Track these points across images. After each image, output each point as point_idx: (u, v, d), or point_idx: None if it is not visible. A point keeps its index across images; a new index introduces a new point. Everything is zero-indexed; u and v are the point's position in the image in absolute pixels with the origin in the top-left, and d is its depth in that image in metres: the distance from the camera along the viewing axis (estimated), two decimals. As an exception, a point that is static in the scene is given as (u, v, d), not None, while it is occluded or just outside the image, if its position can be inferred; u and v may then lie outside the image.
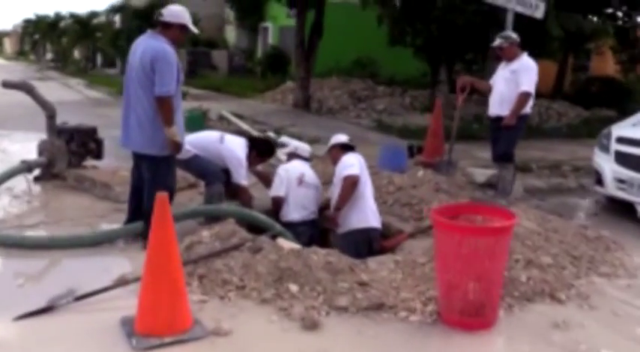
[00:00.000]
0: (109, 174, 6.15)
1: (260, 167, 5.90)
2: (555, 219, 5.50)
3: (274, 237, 4.49)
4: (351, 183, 5.05)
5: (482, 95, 6.72)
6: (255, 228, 4.87)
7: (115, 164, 7.14)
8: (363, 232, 5.16)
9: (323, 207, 5.65)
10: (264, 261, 3.91)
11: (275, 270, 3.83)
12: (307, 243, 4.96)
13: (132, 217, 4.72)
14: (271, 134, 9.56)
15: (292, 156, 5.69)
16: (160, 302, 3.08)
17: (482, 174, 6.93)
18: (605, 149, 6.42)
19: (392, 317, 3.58)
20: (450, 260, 3.51)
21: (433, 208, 3.70)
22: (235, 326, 3.31)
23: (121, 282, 3.69)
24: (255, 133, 9.62)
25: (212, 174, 5.12)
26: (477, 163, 8.26)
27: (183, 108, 4.58)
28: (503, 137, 5.96)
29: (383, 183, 6.41)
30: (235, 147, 5.27)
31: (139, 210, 4.60)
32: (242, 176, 5.21)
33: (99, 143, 6.72)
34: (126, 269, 4.04)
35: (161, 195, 3.07)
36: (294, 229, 5.05)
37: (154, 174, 4.38)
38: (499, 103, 6.02)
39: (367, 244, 5.27)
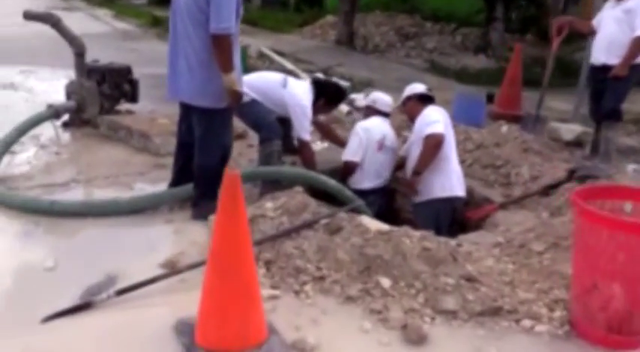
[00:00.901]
0: (147, 122, 5.39)
1: (322, 117, 5.05)
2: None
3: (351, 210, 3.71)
4: (435, 144, 4.22)
5: (581, 37, 5.66)
6: (321, 194, 4.11)
7: (150, 107, 6.40)
8: (446, 201, 4.37)
9: (396, 167, 4.84)
10: (346, 246, 3.16)
11: (360, 258, 3.08)
12: (377, 212, 4.26)
13: (178, 178, 3.98)
14: (320, 75, 8.63)
15: (370, 110, 4.82)
16: (228, 310, 2.37)
17: (569, 131, 5.99)
18: None
19: (513, 325, 2.83)
20: (594, 257, 2.71)
21: (575, 190, 2.86)
22: (320, 338, 2.59)
23: (172, 271, 2.98)
24: (318, 76, 8.71)
25: (270, 127, 4.31)
26: (551, 116, 7.26)
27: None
28: (611, 90, 4.99)
29: (459, 139, 5.53)
30: (300, 93, 4.43)
31: (187, 170, 3.86)
32: (305, 128, 4.40)
33: (134, 84, 5.92)
34: (174, 249, 3.34)
35: (231, 174, 2.28)
36: (364, 198, 4.28)
37: (206, 129, 3.60)
38: (606, 49, 5.02)
39: (450, 215, 4.49)
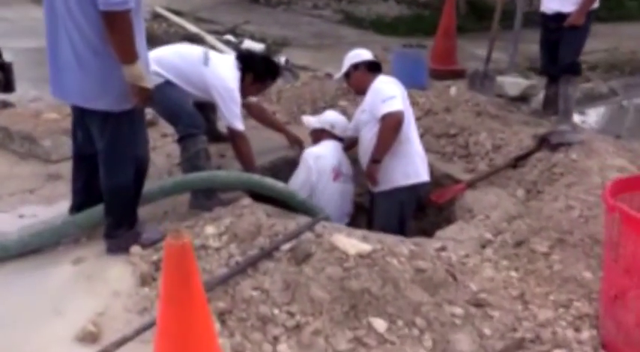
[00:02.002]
0: (30, 118, 4.30)
1: (254, 98, 4.20)
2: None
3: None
4: (395, 124, 3.53)
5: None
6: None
7: (32, 94, 5.25)
8: (410, 189, 3.74)
9: (344, 148, 4.14)
10: (321, 278, 2.46)
11: (342, 294, 2.41)
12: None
13: (81, 200, 3.07)
14: (230, 38, 7.65)
15: (323, 134, 3.96)
16: None
17: (514, 86, 5.56)
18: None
19: (543, 361, 2.29)
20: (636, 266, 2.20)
21: (607, 186, 2.30)
22: None
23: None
24: (228, 38, 7.61)
25: (191, 118, 3.43)
26: (476, 66, 6.77)
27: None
28: (567, 42, 4.51)
29: (403, 106, 4.92)
30: (225, 72, 3.55)
31: (92, 187, 2.97)
32: (236, 115, 3.54)
33: (7, 69, 4.72)
34: (91, 306, 2.49)
35: (178, 243, 1.48)
36: None
37: (111, 139, 2.70)
38: (560, -4, 4.50)
39: (415, 203, 3.89)
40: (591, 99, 6.40)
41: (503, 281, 2.69)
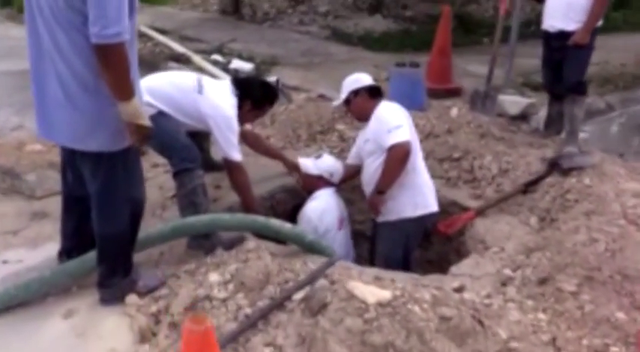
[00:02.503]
0: (12, 151, 4.07)
1: (249, 125, 4.01)
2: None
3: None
4: (403, 156, 3.34)
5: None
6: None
7: (14, 121, 5.01)
8: (418, 221, 3.57)
9: (344, 178, 3.95)
10: (339, 331, 2.25)
11: (364, 349, 2.20)
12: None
13: (72, 244, 2.84)
14: (217, 57, 7.45)
15: (317, 180, 3.80)
16: None
17: (514, 104, 5.42)
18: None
19: None
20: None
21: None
22: None
23: None
24: (216, 57, 7.36)
25: (185, 150, 3.21)
26: (477, 82, 6.65)
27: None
28: (572, 61, 4.38)
29: (403, 128, 4.75)
30: (222, 100, 3.34)
31: (84, 231, 2.74)
32: (234, 145, 3.32)
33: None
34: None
35: (200, 328, 1.27)
36: None
37: (105, 182, 2.48)
38: (564, 14, 4.37)
39: (421, 234, 3.72)
40: (589, 115, 6.29)
41: (531, 325, 2.51)
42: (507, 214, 3.76)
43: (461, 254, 3.75)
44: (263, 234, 3.03)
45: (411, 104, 5.03)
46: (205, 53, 7.81)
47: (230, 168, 3.38)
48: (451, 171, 4.33)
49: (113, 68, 2.21)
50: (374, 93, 3.68)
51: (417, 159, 3.54)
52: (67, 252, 2.86)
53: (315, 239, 3.07)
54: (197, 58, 7.21)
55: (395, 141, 3.31)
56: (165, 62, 7.20)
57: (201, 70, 6.58)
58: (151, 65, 6.76)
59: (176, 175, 3.18)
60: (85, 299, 2.70)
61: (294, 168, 4.06)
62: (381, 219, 3.63)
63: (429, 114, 5.00)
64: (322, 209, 3.57)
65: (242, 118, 3.54)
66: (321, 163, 3.83)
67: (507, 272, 2.97)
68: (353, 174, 3.89)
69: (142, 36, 8.82)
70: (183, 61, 7.30)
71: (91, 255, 2.70)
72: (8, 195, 3.77)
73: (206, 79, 3.52)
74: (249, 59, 7.67)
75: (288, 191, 4.16)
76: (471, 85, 6.40)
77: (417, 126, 4.77)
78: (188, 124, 3.37)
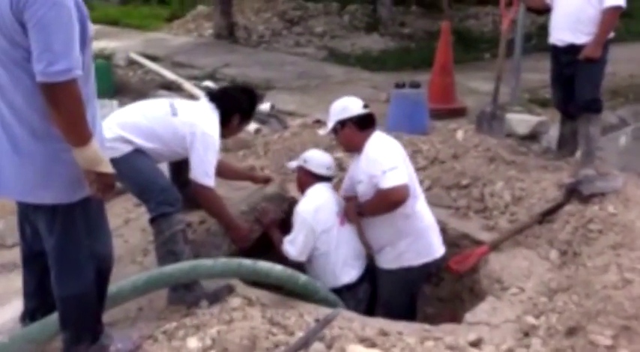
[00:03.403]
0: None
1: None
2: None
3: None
4: (398, 201, 2.94)
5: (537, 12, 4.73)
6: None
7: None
8: (422, 268, 3.24)
9: None
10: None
11: None
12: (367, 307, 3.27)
13: (35, 304, 2.51)
14: (209, 84, 7.19)
15: (305, 175, 3.37)
16: None
17: (523, 123, 5.13)
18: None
19: None
20: None
21: None
22: None
23: None
24: (208, 84, 7.10)
25: (164, 193, 2.86)
26: (481, 100, 6.35)
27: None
28: (585, 76, 4.06)
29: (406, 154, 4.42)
30: (198, 117, 3.00)
31: (48, 293, 2.38)
32: (207, 168, 2.95)
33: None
34: None
35: None
36: (351, 295, 3.12)
37: (62, 236, 2.16)
38: (572, 27, 4.08)
39: (426, 278, 3.41)
40: (602, 130, 5.98)
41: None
42: (524, 247, 3.41)
43: (475, 292, 3.42)
44: (252, 280, 2.71)
45: (413, 127, 4.82)
46: (197, 79, 7.56)
47: (199, 192, 2.99)
48: (460, 199, 4.00)
49: (64, 109, 1.90)
50: (364, 125, 3.21)
51: (417, 202, 3.16)
52: (30, 314, 2.52)
53: (308, 280, 2.79)
54: (188, 85, 6.96)
55: (391, 184, 2.91)
56: (155, 90, 6.94)
57: (192, 97, 6.32)
58: (140, 93, 6.52)
59: (153, 221, 2.86)
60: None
61: (265, 180, 3.76)
62: (382, 264, 3.28)
63: (433, 137, 4.69)
64: (315, 206, 3.14)
65: (228, 133, 3.26)
66: (309, 159, 3.37)
67: (529, 319, 2.62)
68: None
69: (133, 63, 8.60)
70: (174, 88, 7.05)
71: (54, 318, 2.37)
72: (-25, 244, 3.45)
73: (179, 101, 3.23)
74: (242, 84, 7.41)
75: (271, 198, 3.64)
76: (475, 104, 6.15)
77: (420, 151, 4.52)
78: (169, 155, 3.07)
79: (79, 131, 1.95)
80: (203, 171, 2.94)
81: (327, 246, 3.12)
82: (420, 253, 3.15)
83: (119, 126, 2.87)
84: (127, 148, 2.85)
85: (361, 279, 3.21)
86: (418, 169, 4.38)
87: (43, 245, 2.28)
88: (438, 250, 3.24)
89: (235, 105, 3.22)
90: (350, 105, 3.24)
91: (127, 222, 3.84)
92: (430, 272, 3.36)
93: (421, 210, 3.20)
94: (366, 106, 3.28)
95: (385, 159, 2.99)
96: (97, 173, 2.02)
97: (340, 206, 3.21)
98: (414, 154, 4.46)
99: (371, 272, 3.31)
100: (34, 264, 2.45)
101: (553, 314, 2.62)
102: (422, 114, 4.98)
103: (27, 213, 2.27)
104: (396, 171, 2.94)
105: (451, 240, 3.76)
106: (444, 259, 3.34)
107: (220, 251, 3.18)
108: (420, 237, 3.15)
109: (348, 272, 3.17)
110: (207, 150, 2.96)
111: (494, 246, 3.45)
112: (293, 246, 3.14)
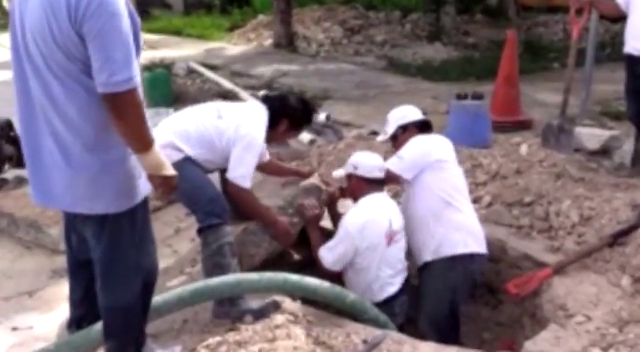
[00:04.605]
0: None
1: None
2: None
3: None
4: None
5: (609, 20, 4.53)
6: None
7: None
8: (463, 262, 3.14)
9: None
10: None
11: None
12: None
13: (81, 314, 2.53)
14: (266, 93, 7.24)
15: (357, 184, 3.22)
16: None
17: (593, 138, 4.87)
18: None
19: None
20: None
21: None
22: None
23: None
24: (264, 95, 7.19)
25: (212, 203, 2.83)
26: (549, 112, 6.09)
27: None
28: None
29: (465, 168, 4.29)
30: (243, 119, 2.96)
31: (95, 301, 2.40)
32: (245, 168, 2.89)
33: (18, 142, 4.35)
34: None
35: None
36: (386, 309, 2.99)
37: (110, 246, 2.18)
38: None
39: (469, 285, 3.31)
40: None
41: None
42: (592, 272, 3.21)
43: (536, 319, 3.25)
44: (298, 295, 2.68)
45: (473, 140, 4.69)
46: (254, 89, 7.65)
47: (235, 194, 2.93)
48: (522, 218, 3.82)
49: (128, 118, 1.93)
50: (425, 129, 3.41)
51: (456, 194, 3.21)
52: (76, 322, 2.55)
53: (356, 299, 2.72)
54: (244, 94, 7.03)
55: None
56: (211, 99, 7.06)
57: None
58: (197, 102, 6.63)
59: (200, 232, 2.86)
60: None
61: (309, 173, 3.66)
62: (421, 260, 3.24)
63: (495, 151, 4.53)
64: (365, 221, 3.02)
65: (274, 138, 3.20)
66: (359, 164, 3.21)
67: (597, 352, 2.45)
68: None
69: (192, 73, 8.80)
70: (230, 97, 7.14)
71: (99, 327, 2.39)
72: (32, 249, 3.59)
73: (226, 104, 3.21)
74: (298, 94, 7.43)
75: (308, 191, 3.42)
76: (542, 116, 5.91)
77: (480, 165, 4.39)
78: (219, 162, 3.02)
79: (142, 137, 1.98)
80: (240, 173, 2.90)
81: (369, 263, 3.03)
82: (457, 243, 3.11)
83: (170, 132, 2.89)
84: (177, 156, 2.83)
85: (398, 293, 3.11)
86: (477, 184, 4.28)
87: (90, 254, 2.31)
88: (479, 247, 3.18)
89: (286, 109, 3.17)
90: (410, 111, 3.46)
91: (177, 231, 3.90)
92: (474, 277, 3.23)
93: (461, 204, 3.22)
94: (424, 114, 3.46)
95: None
96: (161, 177, 2.05)
97: (390, 221, 3.09)
98: (473, 168, 4.35)
99: (408, 282, 3.25)
100: (81, 273, 2.47)
101: (624, 348, 2.45)
102: (483, 127, 4.83)
103: (74, 222, 2.30)
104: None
105: (511, 261, 3.64)
106: (485, 262, 3.28)
107: (261, 248, 3.12)
108: (455, 228, 3.13)
109: (386, 290, 3.08)
110: (248, 150, 2.91)
111: (559, 269, 3.26)
112: (330, 253, 3.07)
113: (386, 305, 3.03)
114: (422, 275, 3.33)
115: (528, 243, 3.64)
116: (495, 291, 3.70)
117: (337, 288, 2.75)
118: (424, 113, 3.53)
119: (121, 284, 2.22)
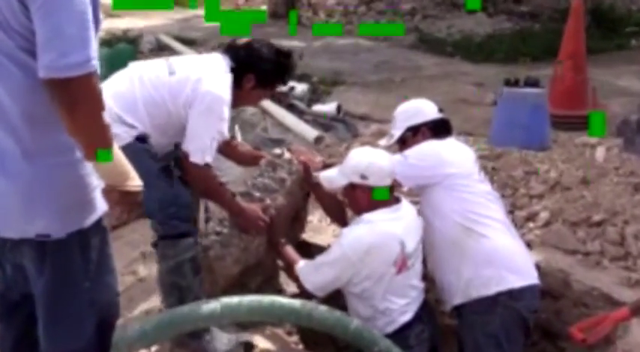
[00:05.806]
0: None
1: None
2: None
3: None
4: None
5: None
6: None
7: None
8: (500, 304, 3.14)
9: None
10: None
11: None
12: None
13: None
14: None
15: (367, 193, 3.16)
16: None
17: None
18: None
19: None
20: None
21: None
22: None
23: None
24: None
25: (172, 204, 2.88)
26: (631, 103, 6.15)
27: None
28: None
29: (516, 176, 4.39)
30: (201, 73, 2.94)
31: (32, 348, 2.44)
32: (204, 143, 2.92)
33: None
34: None
35: None
36: (404, 340, 3.03)
37: (55, 278, 2.17)
38: None
39: (520, 325, 3.25)
40: None
41: None
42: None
43: (608, 373, 3.30)
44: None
45: (527, 139, 4.83)
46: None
47: (190, 170, 2.95)
48: (590, 242, 3.90)
49: (81, 111, 1.90)
50: (440, 132, 3.38)
51: (478, 217, 3.20)
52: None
53: (364, 327, 2.87)
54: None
55: None
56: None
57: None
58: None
59: (156, 243, 2.95)
60: None
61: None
62: (449, 304, 3.30)
63: (555, 154, 4.65)
64: (369, 245, 3.00)
65: (241, 100, 3.19)
66: (369, 172, 3.12)
67: None
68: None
69: (163, 49, 8.93)
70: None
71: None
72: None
73: (179, 58, 3.24)
74: (302, 77, 7.54)
75: (278, 165, 3.46)
76: (621, 109, 5.99)
77: (535, 172, 4.54)
78: (172, 135, 3.03)
79: (100, 138, 1.96)
80: (199, 145, 2.91)
81: (371, 293, 3.07)
82: (490, 280, 3.12)
83: (113, 100, 2.83)
84: (127, 135, 2.82)
85: (412, 321, 3.14)
86: (532, 197, 4.37)
87: (27, 287, 2.32)
88: (523, 279, 3.17)
89: (253, 61, 3.10)
90: (424, 108, 3.46)
91: (144, 255, 3.94)
92: (523, 317, 3.21)
93: (489, 228, 3.20)
94: (440, 110, 3.46)
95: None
96: (123, 192, 2.06)
97: (402, 244, 3.08)
98: (526, 176, 4.46)
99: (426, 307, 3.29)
100: (14, 316, 2.47)
101: None
102: (540, 123, 4.93)
103: (3, 249, 2.29)
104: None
105: (576, 298, 3.71)
106: (536, 295, 3.28)
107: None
108: (488, 262, 3.14)
109: (397, 320, 3.11)
110: (208, 114, 2.91)
111: (638, 310, 3.31)
112: (315, 274, 3.07)
113: (398, 335, 3.05)
114: (458, 320, 3.36)
115: (598, 275, 3.71)
116: (555, 337, 3.75)
117: (337, 313, 2.91)
118: (441, 109, 3.51)
119: (70, 325, 2.23)
